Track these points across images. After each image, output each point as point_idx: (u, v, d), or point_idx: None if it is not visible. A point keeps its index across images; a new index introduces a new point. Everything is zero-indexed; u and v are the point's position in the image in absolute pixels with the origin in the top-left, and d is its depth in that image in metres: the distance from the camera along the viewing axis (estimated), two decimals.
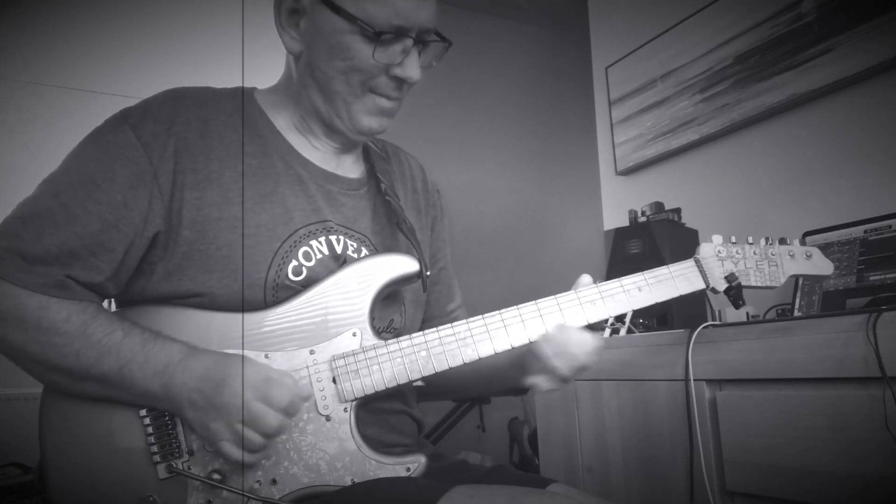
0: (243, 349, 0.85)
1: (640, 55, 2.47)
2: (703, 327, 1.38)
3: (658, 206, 1.91)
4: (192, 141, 0.88)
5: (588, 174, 3.28)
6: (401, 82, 0.92)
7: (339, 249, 0.94)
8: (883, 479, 1.07)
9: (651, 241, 1.77)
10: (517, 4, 3.73)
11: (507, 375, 1.00)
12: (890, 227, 1.51)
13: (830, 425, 1.15)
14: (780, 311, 1.71)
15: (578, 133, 3.73)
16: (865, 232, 1.55)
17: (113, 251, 0.84)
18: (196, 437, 0.83)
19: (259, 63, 1.10)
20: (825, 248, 1.59)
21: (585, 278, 0.96)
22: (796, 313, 1.59)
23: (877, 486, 1.08)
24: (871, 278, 1.49)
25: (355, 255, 0.95)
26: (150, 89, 0.94)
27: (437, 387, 1.09)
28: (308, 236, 0.92)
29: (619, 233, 1.86)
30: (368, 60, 0.88)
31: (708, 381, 1.36)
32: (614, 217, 2.56)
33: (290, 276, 0.89)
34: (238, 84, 1.01)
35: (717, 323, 1.45)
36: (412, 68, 0.90)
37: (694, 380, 1.35)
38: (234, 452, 0.79)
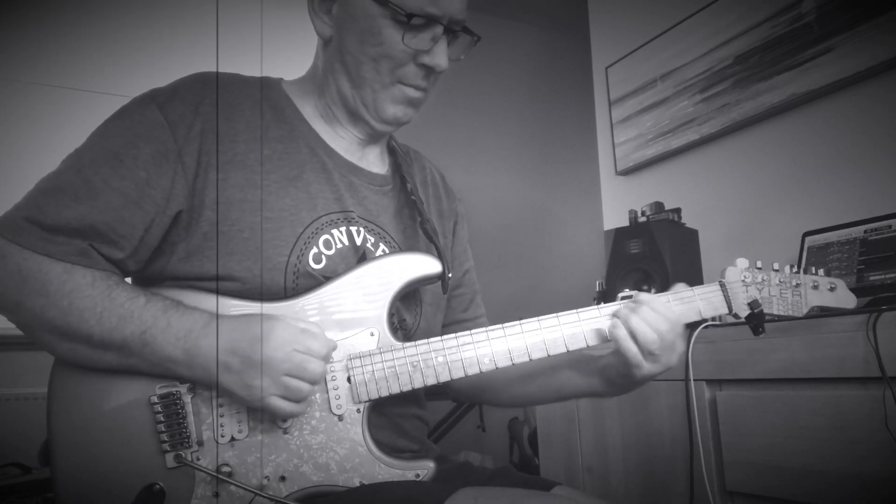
0: (262, 338, 0.83)
1: (640, 55, 2.47)
2: (704, 327, 1.38)
3: (658, 206, 1.91)
4: (218, 123, 0.88)
5: (588, 174, 3.28)
6: (429, 71, 0.92)
7: (358, 241, 0.93)
8: (883, 479, 1.07)
9: (651, 241, 1.77)
10: (517, 4, 3.73)
11: (594, 392, 0.97)
12: (890, 227, 1.51)
13: (830, 425, 1.15)
14: None
15: (578, 133, 3.73)
16: (865, 232, 1.55)
17: (134, 228, 0.83)
18: (229, 401, 0.83)
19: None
20: (825, 248, 1.59)
21: (680, 286, 0.94)
22: None
23: (877, 486, 1.08)
24: (871, 278, 1.49)
25: (374, 250, 0.95)
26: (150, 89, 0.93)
27: (498, 397, 1.07)
28: (329, 225, 0.91)
29: (619, 233, 1.86)
30: (398, 46, 0.88)
31: (708, 381, 1.36)
32: (614, 217, 2.56)
33: (311, 263, 0.88)
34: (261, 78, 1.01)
35: (718, 323, 1.45)
36: (440, 56, 0.91)
37: (694, 380, 1.35)
38: (284, 405, 0.80)
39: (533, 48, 3.96)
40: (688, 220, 1.94)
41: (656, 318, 0.85)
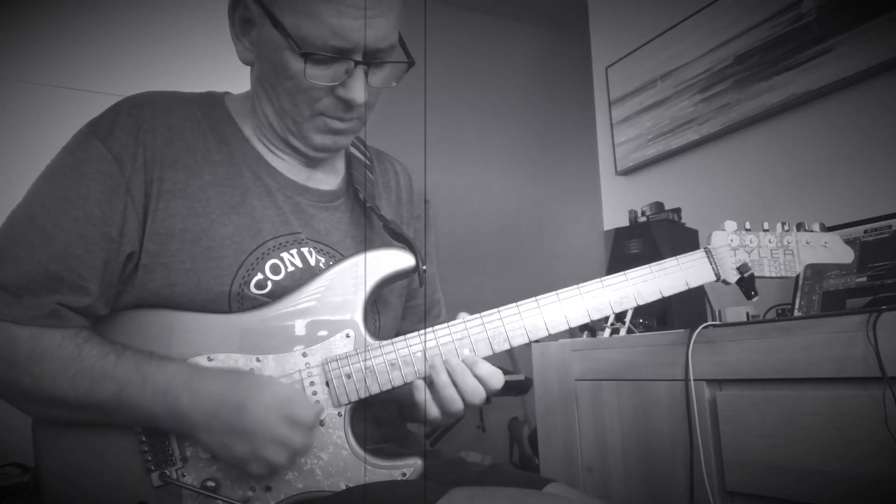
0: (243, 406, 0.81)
1: (640, 55, 2.47)
2: (703, 327, 1.38)
3: (658, 206, 1.91)
4: (158, 149, 0.85)
5: (588, 174, 3.28)
6: (348, 104, 0.86)
7: (311, 262, 0.91)
8: (883, 479, 1.07)
9: (651, 241, 1.77)
10: (517, 4, 3.74)
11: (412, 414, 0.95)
12: (890, 226, 1.51)
13: (830, 425, 1.15)
14: (780, 311, 1.71)
15: (578, 133, 3.73)
16: (865, 232, 1.55)
17: (95, 269, 0.81)
18: (204, 453, 0.82)
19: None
20: None
21: (464, 314, 0.90)
22: (796, 313, 1.58)
23: (877, 486, 1.08)
24: (871, 278, 1.48)
25: (325, 270, 0.92)
26: (149, 89, 0.93)
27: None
28: (278, 248, 0.89)
29: (619, 233, 1.86)
30: (306, 81, 0.83)
31: (708, 381, 1.36)
32: (614, 217, 2.56)
33: (253, 289, 0.86)
34: (216, 86, 0.99)
35: (717, 323, 1.45)
36: (355, 90, 0.85)
37: (694, 380, 1.35)
38: (263, 472, 0.79)
39: (533, 48, 3.96)
40: (688, 220, 1.94)
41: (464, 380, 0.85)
